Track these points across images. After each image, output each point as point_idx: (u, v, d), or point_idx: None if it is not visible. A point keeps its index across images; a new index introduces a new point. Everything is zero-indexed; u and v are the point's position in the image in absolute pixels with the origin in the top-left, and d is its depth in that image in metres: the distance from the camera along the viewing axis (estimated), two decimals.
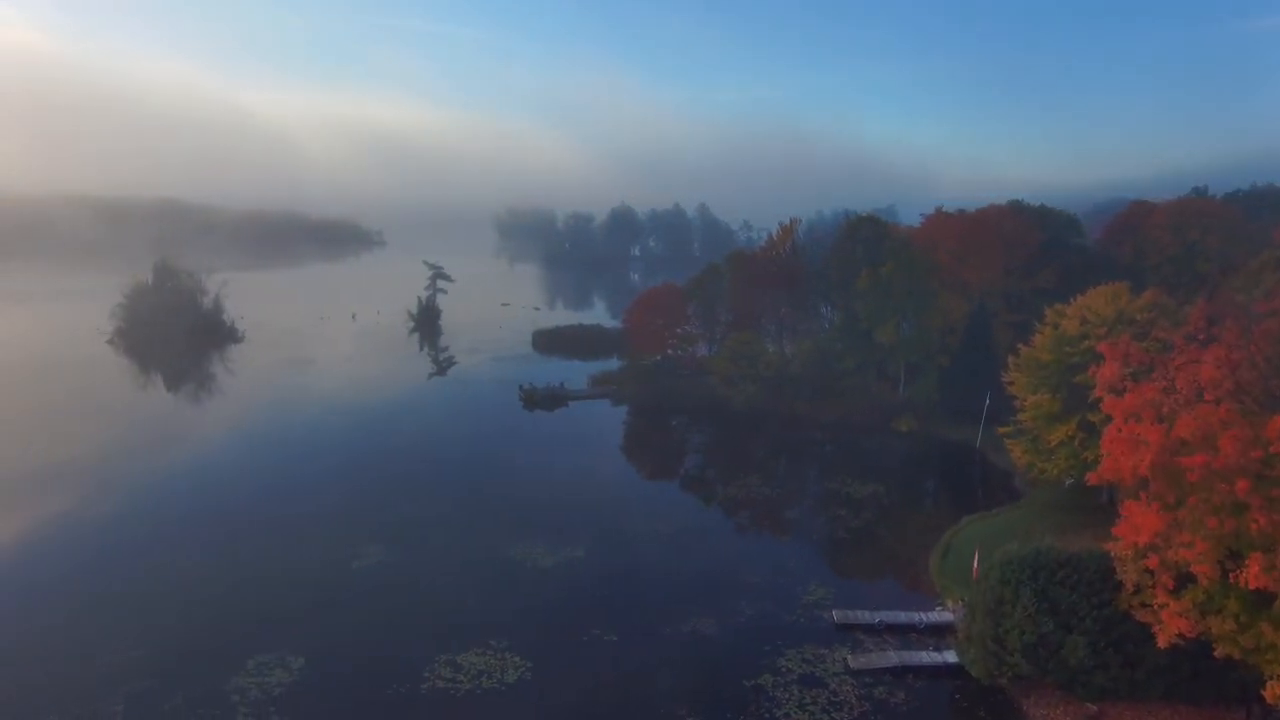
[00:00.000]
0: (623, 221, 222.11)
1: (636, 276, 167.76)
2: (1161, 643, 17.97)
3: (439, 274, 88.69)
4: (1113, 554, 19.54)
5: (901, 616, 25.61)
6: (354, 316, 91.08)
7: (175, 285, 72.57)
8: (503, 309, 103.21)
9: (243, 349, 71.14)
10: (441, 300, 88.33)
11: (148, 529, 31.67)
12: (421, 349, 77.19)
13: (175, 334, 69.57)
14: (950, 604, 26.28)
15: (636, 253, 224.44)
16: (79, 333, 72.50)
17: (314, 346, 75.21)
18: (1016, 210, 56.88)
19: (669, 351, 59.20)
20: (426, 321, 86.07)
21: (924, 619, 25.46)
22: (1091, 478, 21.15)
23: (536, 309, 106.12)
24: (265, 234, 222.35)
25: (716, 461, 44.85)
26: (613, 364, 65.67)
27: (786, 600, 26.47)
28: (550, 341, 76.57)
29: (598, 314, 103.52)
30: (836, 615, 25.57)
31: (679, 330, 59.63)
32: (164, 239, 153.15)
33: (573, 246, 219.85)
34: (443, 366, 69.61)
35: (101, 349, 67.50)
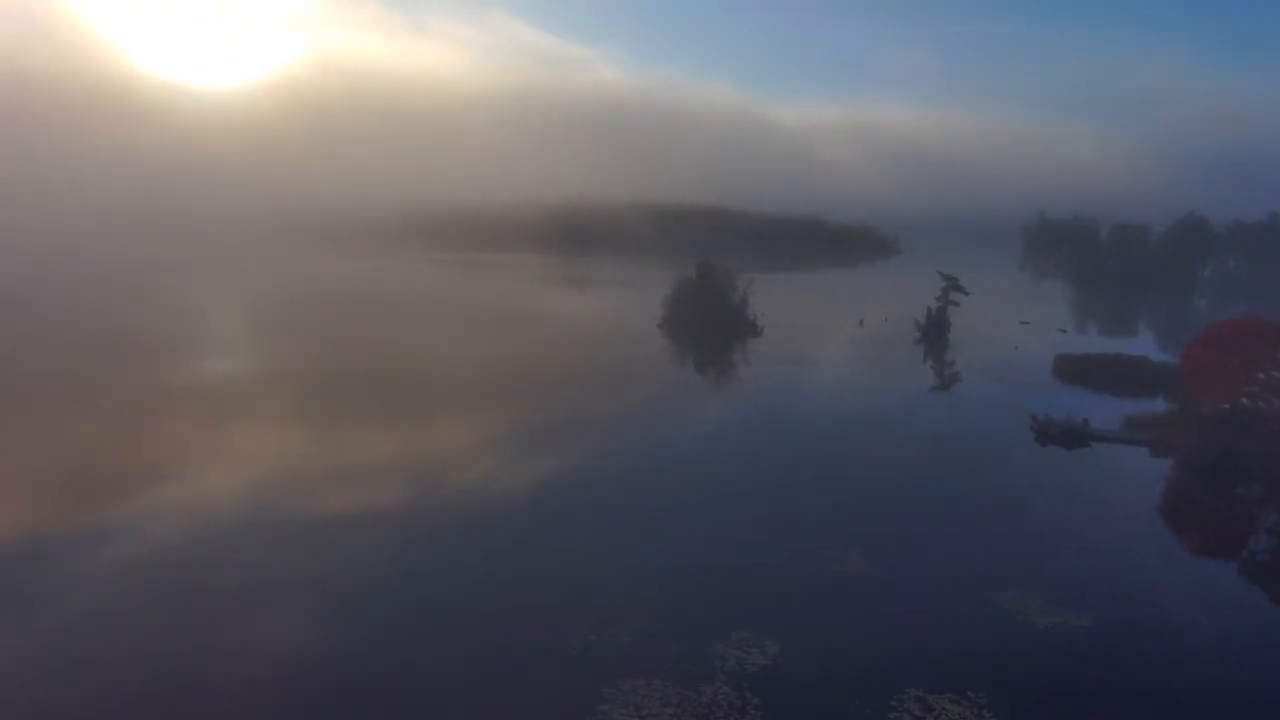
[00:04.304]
0: (1191, 235, 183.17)
1: (1204, 303, 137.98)
2: None
3: (953, 285, 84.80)
4: None
5: None
6: (861, 322, 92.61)
7: (712, 282, 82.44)
8: (1021, 328, 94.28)
9: (758, 343, 77.73)
10: (953, 313, 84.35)
11: (659, 485, 36.56)
12: (925, 361, 74.79)
13: (708, 324, 79.29)
14: None
15: (1207, 274, 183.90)
16: (636, 315, 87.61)
17: (821, 347, 78.71)
18: None
19: (1243, 400, 47.05)
20: (934, 333, 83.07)
21: None
22: None
23: (1062, 331, 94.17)
24: (787, 238, 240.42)
25: None
26: (1157, 406, 54.99)
27: None
28: (1076, 370, 66.94)
29: (1143, 344, 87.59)
30: None
31: (1263, 375, 46.91)
32: (700, 240, 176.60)
33: (1116, 262, 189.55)
34: (945, 382, 66.44)
35: (652, 331, 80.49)
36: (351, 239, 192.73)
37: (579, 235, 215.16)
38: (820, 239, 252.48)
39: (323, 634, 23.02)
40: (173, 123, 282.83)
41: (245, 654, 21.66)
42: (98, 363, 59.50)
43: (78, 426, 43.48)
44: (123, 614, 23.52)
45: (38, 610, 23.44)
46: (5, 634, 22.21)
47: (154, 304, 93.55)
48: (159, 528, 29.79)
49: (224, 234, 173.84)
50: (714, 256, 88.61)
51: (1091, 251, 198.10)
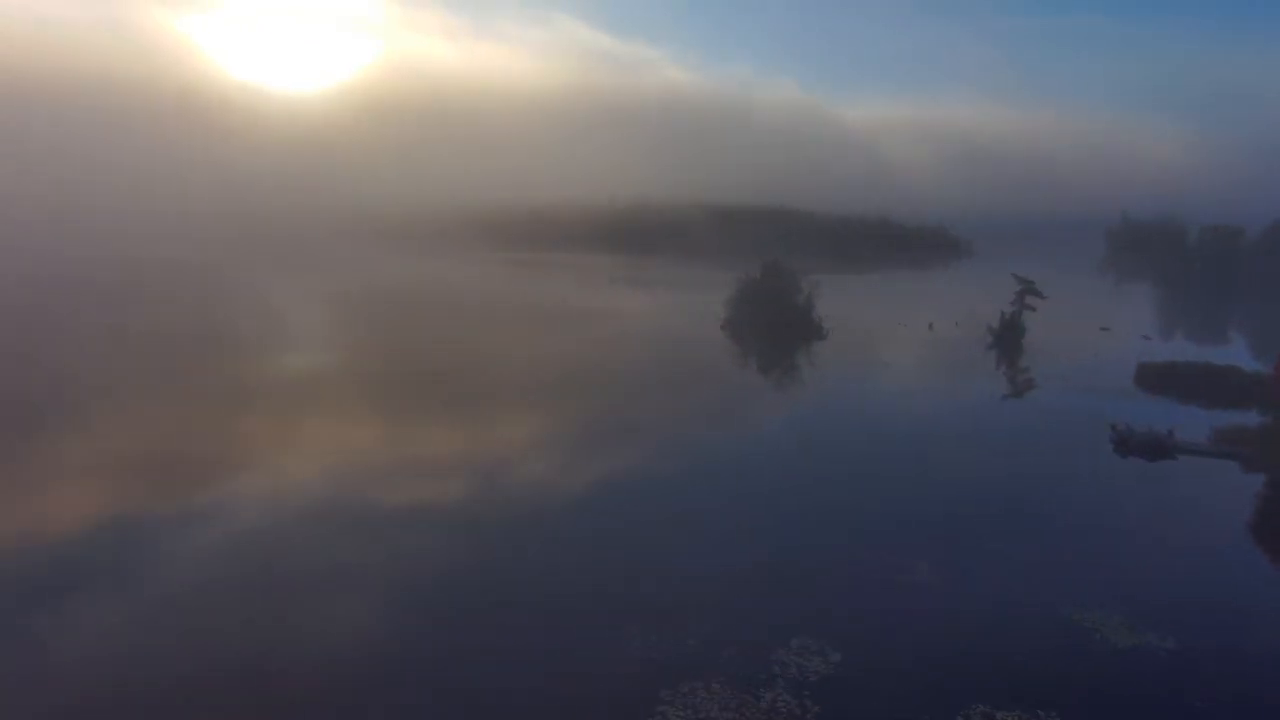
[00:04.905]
0: None
1: None
2: None
3: (1028, 289, 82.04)
4: None
5: None
6: (931, 326, 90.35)
7: (776, 283, 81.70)
8: (1101, 334, 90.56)
9: (824, 345, 76.67)
10: (1028, 318, 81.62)
11: (722, 486, 36.32)
12: (998, 368, 72.52)
13: (772, 325, 78.59)
14: None
15: None
16: (700, 316, 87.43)
17: (888, 351, 77.03)
18: None
19: None
20: (1007, 339, 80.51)
21: None
22: None
23: (1146, 338, 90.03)
24: (854, 239, 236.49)
25: None
26: (1248, 418, 52.03)
27: None
28: (1160, 378, 63.91)
29: (1235, 352, 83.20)
30: None
31: None
32: (766, 240, 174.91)
33: (1206, 266, 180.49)
34: (1019, 389, 64.31)
35: (716, 332, 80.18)
36: (421, 239, 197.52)
37: (644, 235, 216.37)
38: (888, 240, 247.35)
39: (380, 624, 23.61)
40: (250, 124, 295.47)
41: (314, 636, 22.42)
42: (184, 357, 62.43)
43: (167, 418, 45.70)
44: (202, 591, 24.62)
45: (134, 584, 24.71)
46: (106, 605, 23.49)
47: (234, 301, 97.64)
48: (243, 513, 31.07)
49: (299, 234, 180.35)
50: (779, 257, 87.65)
51: (1179, 254, 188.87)
